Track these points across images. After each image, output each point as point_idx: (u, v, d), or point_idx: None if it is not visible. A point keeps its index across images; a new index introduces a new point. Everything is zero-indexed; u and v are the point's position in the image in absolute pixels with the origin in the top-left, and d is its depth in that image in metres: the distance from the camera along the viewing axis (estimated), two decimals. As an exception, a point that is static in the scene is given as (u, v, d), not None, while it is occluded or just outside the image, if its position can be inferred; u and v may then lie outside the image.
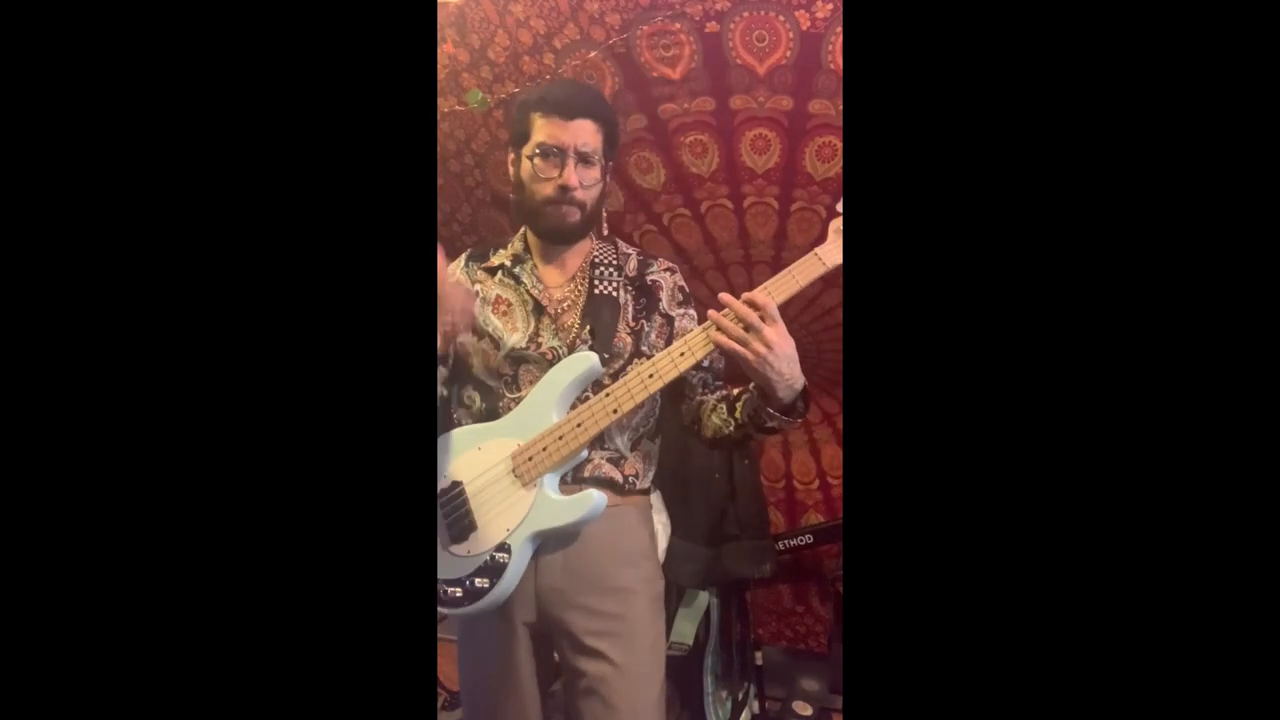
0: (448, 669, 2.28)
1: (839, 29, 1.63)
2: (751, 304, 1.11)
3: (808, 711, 2.15)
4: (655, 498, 1.45)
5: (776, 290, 1.14)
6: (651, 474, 1.34)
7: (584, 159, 1.27)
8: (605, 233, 1.48)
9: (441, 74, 1.97)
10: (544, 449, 1.19)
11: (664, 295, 1.36)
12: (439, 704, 2.29)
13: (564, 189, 1.26)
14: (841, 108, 1.72)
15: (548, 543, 1.21)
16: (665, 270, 1.39)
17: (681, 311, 1.37)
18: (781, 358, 1.10)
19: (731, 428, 1.25)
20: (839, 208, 1.18)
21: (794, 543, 2.21)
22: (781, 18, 1.66)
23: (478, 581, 1.18)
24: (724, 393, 1.31)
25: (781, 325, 1.11)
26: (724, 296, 1.12)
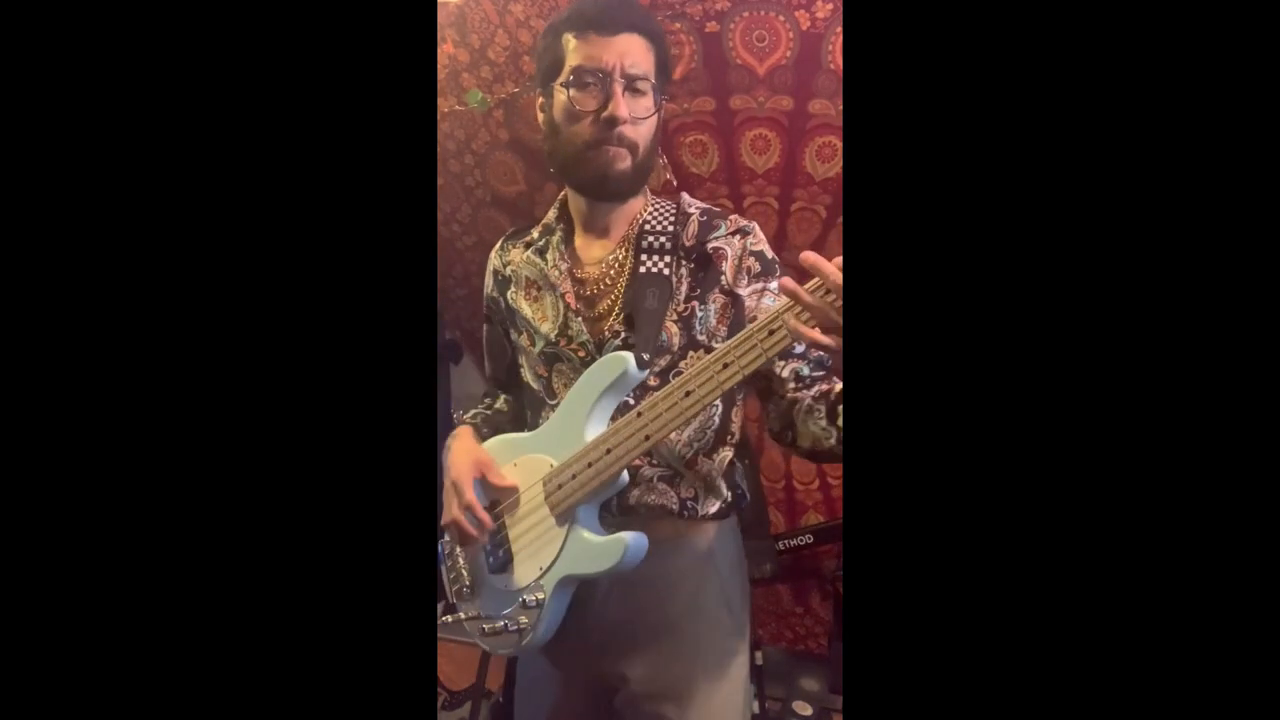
0: (448, 669, 2.28)
1: (839, 29, 1.63)
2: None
3: (808, 711, 2.15)
4: None
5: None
6: (723, 494, 1.07)
7: (633, 85, 0.99)
8: (671, 181, 1.17)
9: (441, 74, 1.97)
10: (573, 476, 0.98)
11: (728, 266, 1.04)
12: (439, 704, 2.29)
13: (611, 121, 0.98)
14: (841, 108, 1.72)
15: (596, 584, 1.03)
16: (734, 233, 1.06)
17: (758, 287, 1.04)
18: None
19: (833, 439, 0.95)
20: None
21: (794, 543, 2.20)
22: (781, 18, 1.66)
23: (516, 621, 1.02)
24: (823, 388, 0.98)
25: None
26: (808, 256, 0.79)
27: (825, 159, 1.84)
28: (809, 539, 2.20)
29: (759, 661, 2.17)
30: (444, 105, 2.02)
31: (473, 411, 1.21)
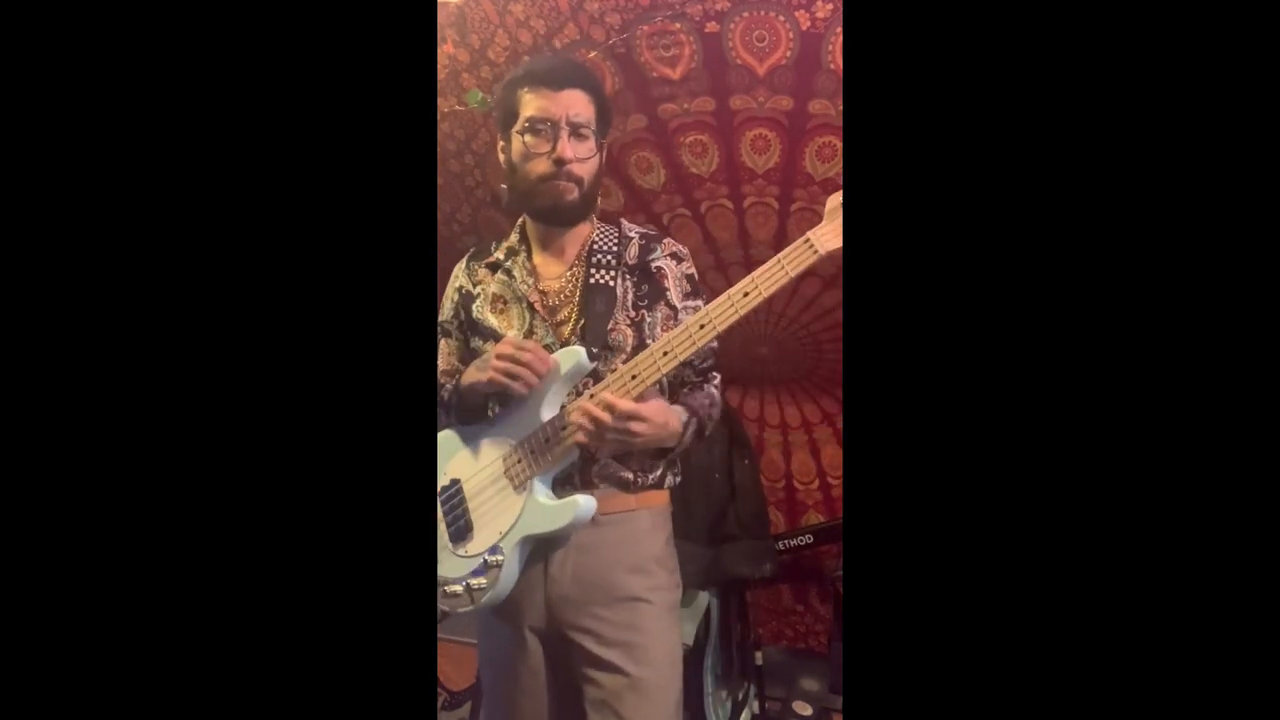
0: (448, 669, 2.28)
1: (839, 29, 1.63)
2: (607, 407, 1.09)
3: (808, 711, 2.15)
4: None
5: (764, 282, 1.08)
6: (661, 466, 1.28)
7: (577, 131, 1.21)
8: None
9: (441, 74, 1.97)
10: (532, 451, 1.18)
11: (670, 284, 1.28)
12: (439, 704, 2.29)
13: (559, 162, 1.19)
14: (841, 108, 1.73)
15: (553, 547, 1.20)
16: (669, 256, 1.31)
17: (688, 305, 1.29)
18: (655, 435, 1.12)
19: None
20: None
21: (794, 543, 2.21)
22: (781, 18, 1.66)
23: (475, 582, 1.19)
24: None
25: (641, 406, 1.10)
26: (579, 406, 1.12)
27: (825, 159, 1.84)
28: (809, 539, 2.20)
29: (759, 662, 2.17)
30: (444, 105, 2.02)
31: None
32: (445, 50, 1.94)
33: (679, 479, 1.33)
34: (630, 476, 1.23)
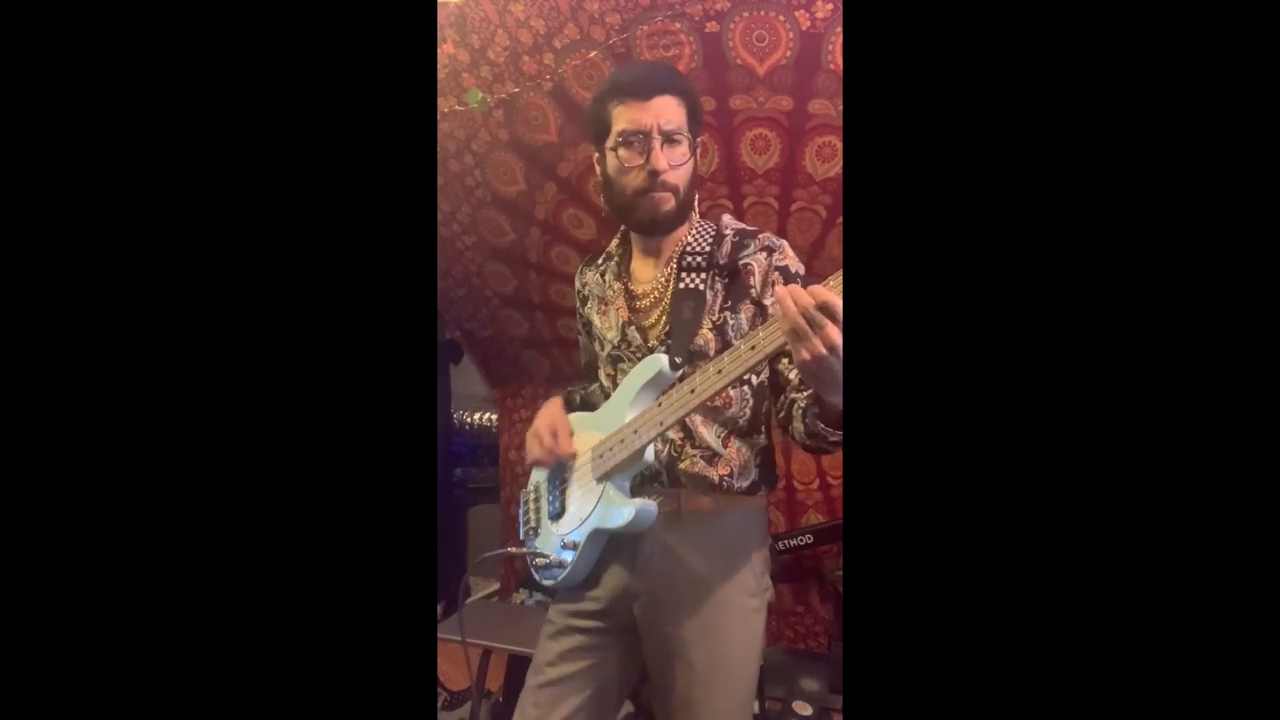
0: (448, 669, 2.29)
1: (839, 29, 1.64)
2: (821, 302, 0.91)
3: (808, 711, 2.15)
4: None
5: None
6: (754, 473, 1.25)
7: (670, 138, 1.18)
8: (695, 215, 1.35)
9: (441, 74, 1.98)
10: (610, 449, 1.20)
11: (756, 280, 1.22)
12: (439, 704, 2.29)
13: (653, 174, 1.18)
14: (841, 108, 1.73)
15: (637, 542, 1.22)
16: (761, 250, 1.23)
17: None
18: (838, 362, 0.91)
19: (803, 436, 1.14)
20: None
21: (794, 543, 2.21)
22: (781, 18, 1.66)
23: (562, 556, 1.25)
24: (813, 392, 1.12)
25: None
26: (781, 291, 0.94)
27: (825, 159, 1.84)
28: (809, 539, 2.20)
29: (759, 661, 2.17)
30: (444, 105, 2.02)
31: (573, 388, 1.47)
32: (445, 50, 1.94)
33: (771, 491, 1.30)
34: (714, 479, 1.21)
